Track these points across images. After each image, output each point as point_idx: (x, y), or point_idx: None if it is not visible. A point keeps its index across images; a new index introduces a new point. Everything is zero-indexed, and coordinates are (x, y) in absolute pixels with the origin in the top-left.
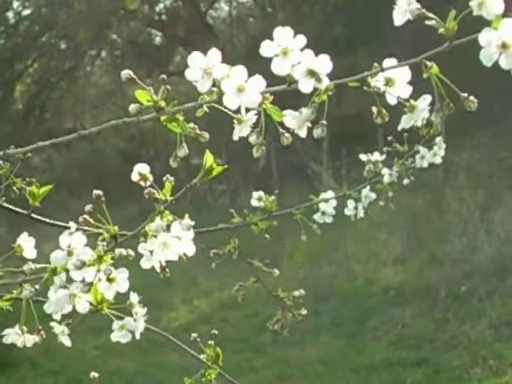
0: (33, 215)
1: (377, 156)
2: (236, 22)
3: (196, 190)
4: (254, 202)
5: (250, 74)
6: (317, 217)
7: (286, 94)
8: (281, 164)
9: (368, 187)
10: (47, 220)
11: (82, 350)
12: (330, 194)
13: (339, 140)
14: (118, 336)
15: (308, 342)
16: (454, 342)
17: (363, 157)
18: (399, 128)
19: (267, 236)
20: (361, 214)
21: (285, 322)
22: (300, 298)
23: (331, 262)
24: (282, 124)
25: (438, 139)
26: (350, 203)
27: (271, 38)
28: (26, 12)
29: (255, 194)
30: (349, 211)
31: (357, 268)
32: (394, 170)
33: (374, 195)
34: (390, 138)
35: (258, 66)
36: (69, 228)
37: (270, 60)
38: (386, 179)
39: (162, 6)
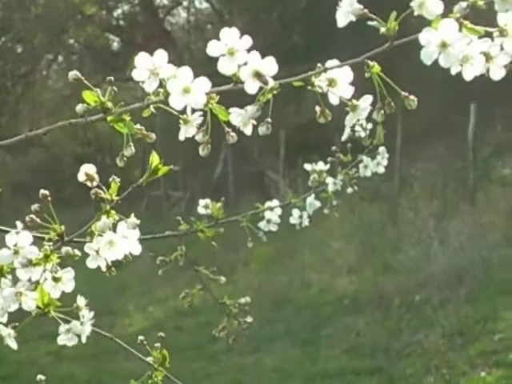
0: None
1: (321, 166)
2: (194, 29)
3: (152, 197)
4: (201, 210)
5: (209, 79)
6: (262, 225)
7: (234, 94)
8: (238, 172)
9: (313, 195)
10: None
11: (34, 357)
12: (275, 202)
13: (296, 149)
14: (64, 339)
15: (262, 350)
16: (408, 351)
17: (308, 167)
18: (343, 138)
19: (214, 244)
20: (305, 222)
21: (230, 329)
22: (245, 305)
23: (286, 271)
24: (228, 123)
25: (382, 149)
26: (295, 212)
27: None
28: None
29: (202, 202)
30: (294, 220)
31: (312, 277)
32: (338, 178)
33: (318, 203)
34: (333, 148)
35: (216, 72)
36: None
37: None
38: (330, 188)
39: (119, 11)
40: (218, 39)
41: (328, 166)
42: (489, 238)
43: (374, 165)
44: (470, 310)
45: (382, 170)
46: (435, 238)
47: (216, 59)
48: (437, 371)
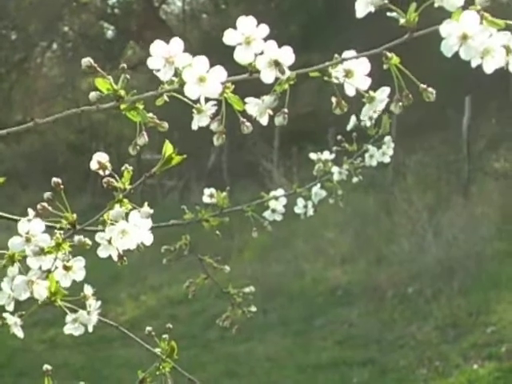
0: None
1: (326, 155)
2: (189, 18)
3: (145, 185)
4: (206, 199)
5: None
6: (267, 214)
7: (245, 85)
8: (232, 161)
9: (318, 185)
10: None
11: (28, 344)
12: (280, 191)
13: (290, 138)
14: (71, 328)
15: (255, 340)
16: (401, 343)
17: (313, 156)
18: (348, 127)
19: (218, 233)
20: (310, 211)
21: (233, 318)
22: (250, 294)
23: (280, 260)
24: (242, 113)
25: (387, 138)
26: (300, 201)
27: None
28: None
29: (207, 191)
30: (298, 209)
31: (305, 267)
32: (343, 168)
33: (324, 193)
34: (339, 137)
35: (211, 61)
36: (16, 220)
37: (222, 56)
38: (335, 177)
39: None
40: (215, 29)
41: (333, 156)
42: (482, 231)
43: (380, 154)
44: (462, 302)
45: (387, 159)
46: (429, 229)
47: (211, 49)
48: (430, 363)
